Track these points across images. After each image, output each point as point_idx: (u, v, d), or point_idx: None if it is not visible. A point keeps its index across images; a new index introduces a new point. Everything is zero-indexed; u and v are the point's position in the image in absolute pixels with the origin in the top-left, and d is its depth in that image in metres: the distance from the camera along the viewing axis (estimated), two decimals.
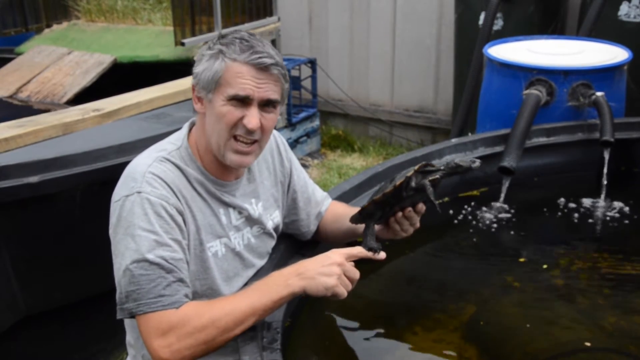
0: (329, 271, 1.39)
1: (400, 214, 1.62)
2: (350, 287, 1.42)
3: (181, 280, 1.37)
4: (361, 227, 1.68)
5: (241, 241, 1.60)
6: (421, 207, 1.63)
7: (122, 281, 1.36)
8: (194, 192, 1.49)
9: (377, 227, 1.66)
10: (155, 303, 1.33)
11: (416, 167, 1.55)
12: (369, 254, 1.52)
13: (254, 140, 1.47)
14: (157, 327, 1.33)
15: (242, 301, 1.38)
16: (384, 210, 1.62)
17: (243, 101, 1.43)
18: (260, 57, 1.42)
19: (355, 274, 1.43)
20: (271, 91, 1.45)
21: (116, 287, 1.41)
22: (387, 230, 1.67)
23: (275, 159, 1.72)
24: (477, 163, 1.53)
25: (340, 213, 1.81)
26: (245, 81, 1.42)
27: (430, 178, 1.54)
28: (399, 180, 1.54)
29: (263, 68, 1.43)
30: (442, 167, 1.55)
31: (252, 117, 1.43)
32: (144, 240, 1.35)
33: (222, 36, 1.49)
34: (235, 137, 1.46)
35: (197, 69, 1.48)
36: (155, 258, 1.34)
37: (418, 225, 1.66)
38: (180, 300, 1.36)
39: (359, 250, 1.48)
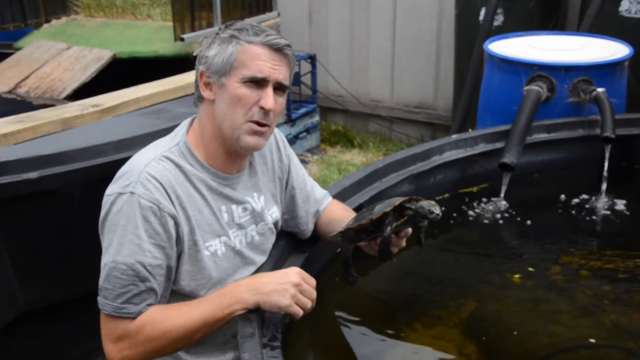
0: (283, 290, 1.38)
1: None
2: (308, 305, 1.40)
3: (151, 289, 1.40)
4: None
5: (243, 239, 1.60)
6: (405, 233, 1.60)
7: (101, 273, 1.40)
8: (193, 190, 1.49)
9: (362, 243, 1.64)
10: (120, 309, 1.38)
11: (396, 203, 1.51)
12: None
13: (266, 124, 1.49)
14: (114, 331, 1.39)
15: (195, 314, 1.39)
16: (363, 236, 1.60)
17: (259, 83, 1.45)
18: (275, 38, 1.45)
19: (312, 293, 1.42)
20: (284, 75, 1.48)
21: None
22: (370, 248, 1.64)
23: (274, 154, 1.71)
24: (435, 214, 1.48)
25: (335, 217, 1.78)
26: (263, 62, 1.44)
27: (400, 222, 1.51)
28: (376, 215, 1.52)
29: (278, 49, 1.45)
30: (413, 207, 1.51)
31: (269, 98, 1.45)
32: (127, 243, 1.37)
33: (228, 25, 1.50)
34: (250, 122, 1.47)
35: (207, 53, 1.48)
36: (134, 263, 1.37)
37: (403, 245, 1.62)
38: (142, 311, 1.39)
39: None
